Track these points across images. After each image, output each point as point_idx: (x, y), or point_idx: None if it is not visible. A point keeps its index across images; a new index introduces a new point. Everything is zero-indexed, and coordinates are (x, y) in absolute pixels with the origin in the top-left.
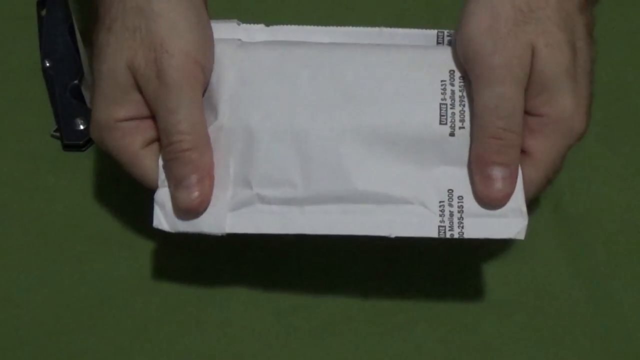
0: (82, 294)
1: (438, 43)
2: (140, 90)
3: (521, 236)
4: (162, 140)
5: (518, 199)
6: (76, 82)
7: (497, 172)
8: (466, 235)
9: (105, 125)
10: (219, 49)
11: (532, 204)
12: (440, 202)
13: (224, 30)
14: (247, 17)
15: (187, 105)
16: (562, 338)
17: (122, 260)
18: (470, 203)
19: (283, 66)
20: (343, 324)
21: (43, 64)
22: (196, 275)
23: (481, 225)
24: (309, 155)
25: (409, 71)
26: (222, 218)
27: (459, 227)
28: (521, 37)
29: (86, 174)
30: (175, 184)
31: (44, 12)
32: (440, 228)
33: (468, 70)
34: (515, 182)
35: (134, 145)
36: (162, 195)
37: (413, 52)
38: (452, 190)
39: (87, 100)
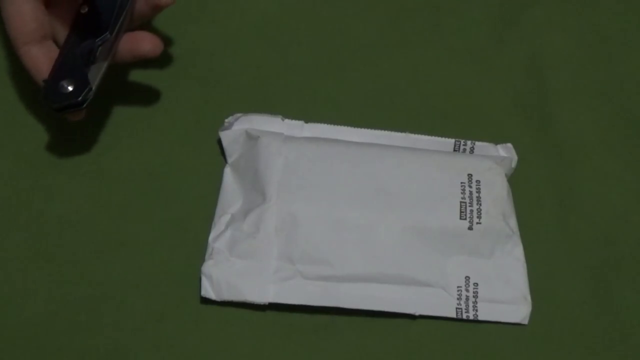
0: (82, 294)
1: (455, 149)
2: None
3: (525, 321)
4: None
5: (523, 287)
6: (98, 42)
7: None
8: (480, 318)
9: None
10: (267, 140)
11: (534, 203)
12: (458, 287)
13: (269, 123)
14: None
15: None
16: (562, 338)
17: (122, 260)
18: (484, 290)
19: (324, 160)
20: (343, 324)
21: None
22: (196, 275)
23: (492, 309)
24: (345, 240)
25: (435, 172)
26: (265, 289)
27: (473, 310)
28: None
29: (86, 174)
30: None
31: None
32: (458, 310)
33: None
34: None
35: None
36: (208, 267)
37: (438, 156)
38: (469, 277)
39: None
